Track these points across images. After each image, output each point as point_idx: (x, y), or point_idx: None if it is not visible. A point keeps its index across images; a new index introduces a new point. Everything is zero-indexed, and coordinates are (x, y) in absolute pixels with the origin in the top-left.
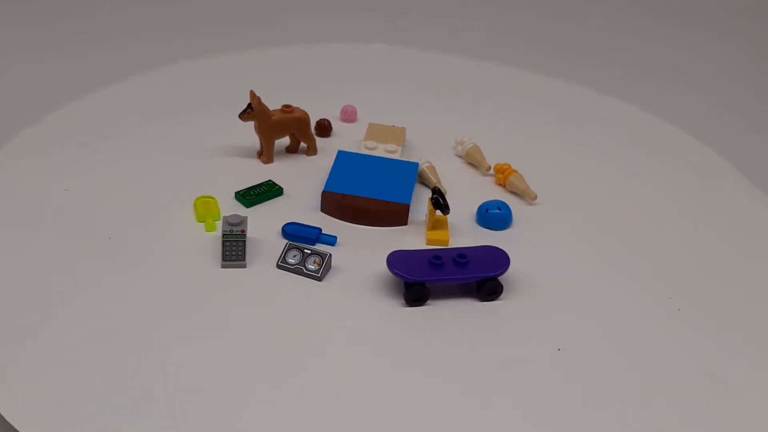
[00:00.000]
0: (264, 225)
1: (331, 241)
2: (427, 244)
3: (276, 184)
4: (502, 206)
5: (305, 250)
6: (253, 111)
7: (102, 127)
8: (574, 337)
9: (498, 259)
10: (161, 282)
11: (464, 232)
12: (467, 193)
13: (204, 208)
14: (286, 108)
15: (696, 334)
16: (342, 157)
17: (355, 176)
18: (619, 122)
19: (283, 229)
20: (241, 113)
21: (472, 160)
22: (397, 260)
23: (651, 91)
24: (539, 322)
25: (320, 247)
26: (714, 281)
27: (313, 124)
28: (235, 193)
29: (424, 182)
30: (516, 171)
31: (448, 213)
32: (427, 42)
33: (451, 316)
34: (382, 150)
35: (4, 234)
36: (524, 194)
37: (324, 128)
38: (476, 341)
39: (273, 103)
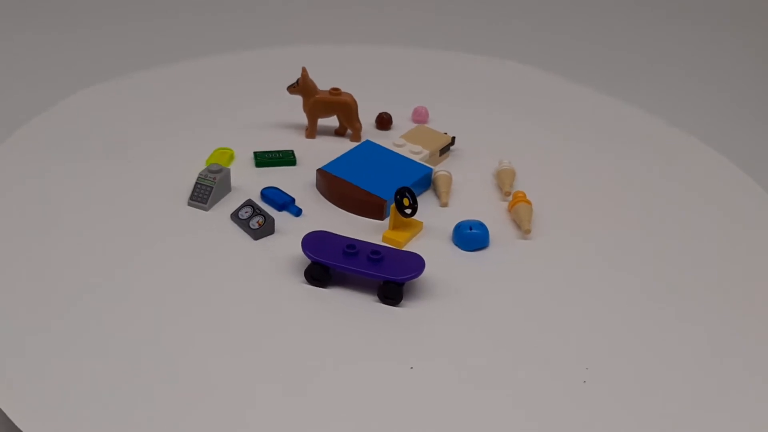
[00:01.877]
0: (259, 186)
1: (294, 211)
2: (383, 241)
3: (293, 156)
4: (476, 226)
5: (256, 210)
6: (298, 86)
7: (121, 116)
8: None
9: (410, 266)
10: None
11: (439, 246)
12: (467, 209)
13: (217, 156)
14: (334, 90)
15: (696, 329)
16: (364, 145)
17: (360, 164)
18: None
19: (261, 191)
20: (289, 86)
21: (499, 181)
22: (314, 239)
23: (654, 92)
24: (435, 327)
25: (279, 215)
26: (715, 280)
27: (374, 116)
28: (254, 151)
29: (434, 189)
30: (529, 202)
31: (406, 216)
32: (517, 54)
33: (346, 306)
34: (407, 149)
35: (5, 231)
36: (519, 225)
37: (383, 121)
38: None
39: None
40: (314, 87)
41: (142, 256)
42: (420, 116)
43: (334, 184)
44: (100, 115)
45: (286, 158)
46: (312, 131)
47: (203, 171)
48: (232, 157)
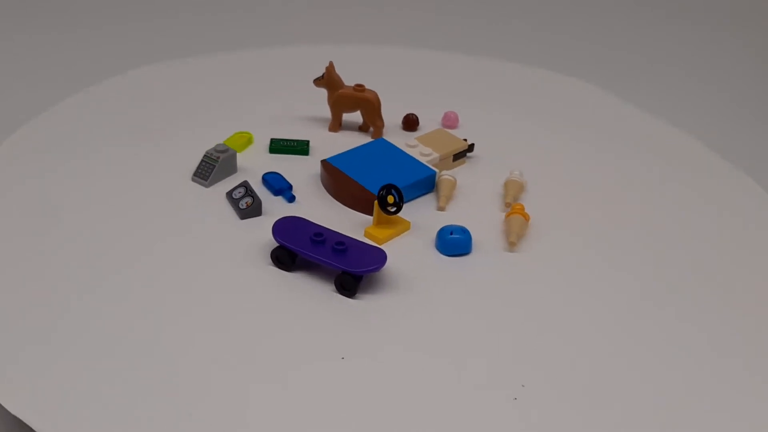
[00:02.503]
0: (265, 171)
1: (288, 197)
2: (364, 236)
3: (307, 146)
4: (457, 231)
5: (248, 191)
6: (323, 79)
7: (119, 115)
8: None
9: (370, 260)
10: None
11: (419, 247)
12: (464, 215)
13: (236, 138)
14: (358, 87)
15: (696, 329)
16: (377, 143)
17: (365, 160)
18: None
19: (263, 175)
20: (315, 79)
21: (504, 191)
22: (286, 223)
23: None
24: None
25: (275, 200)
26: (715, 281)
27: (400, 117)
28: (271, 138)
29: (436, 192)
30: (526, 216)
31: (389, 213)
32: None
33: (306, 293)
34: (418, 151)
35: (5, 231)
36: (507, 236)
37: (409, 122)
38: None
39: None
40: (339, 81)
41: (133, 236)
42: (449, 121)
43: (334, 176)
44: (127, 102)
45: (299, 147)
46: (334, 125)
47: (210, 149)
48: (250, 141)
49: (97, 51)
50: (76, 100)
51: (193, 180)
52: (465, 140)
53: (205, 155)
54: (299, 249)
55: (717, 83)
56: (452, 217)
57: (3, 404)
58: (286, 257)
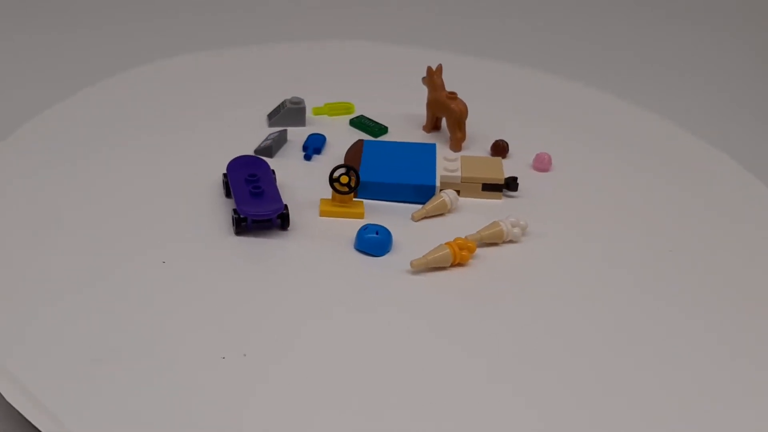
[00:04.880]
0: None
1: (306, 154)
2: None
3: (381, 131)
4: (380, 230)
5: (275, 136)
6: (425, 79)
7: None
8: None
9: (264, 208)
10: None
11: (347, 236)
12: (426, 233)
13: (336, 104)
14: (450, 94)
15: (699, 328)
16: (425, 146)
17: (393, 154)
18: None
19: (309, 135)
20: (423, 77)
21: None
22: (246, 160)
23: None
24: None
25: (296, 153)
26: (719, 281)
27: (491, 142)
28: (361, 114)
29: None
30: (459, 254)
31: (336, 191)
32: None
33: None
34: (447, 166)
35: (6, 228)
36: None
37: (498, 148)
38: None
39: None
40: (437, 85)
41: (133, 235)
42: (541, 163)
43: (352, 154)
44: (137, 98)
45: (374, 129)
46: (428, 125)
47: (287, 101)
48: (348, 110)
49: (98, 51)
50: (76, 99)
51: (270, 125)
52: (514, 179)
53: (283, 101)
54: (233, 182)
55: (718, 83)
56: (414, 227)
57: (7, 399)
58: (226, 187)
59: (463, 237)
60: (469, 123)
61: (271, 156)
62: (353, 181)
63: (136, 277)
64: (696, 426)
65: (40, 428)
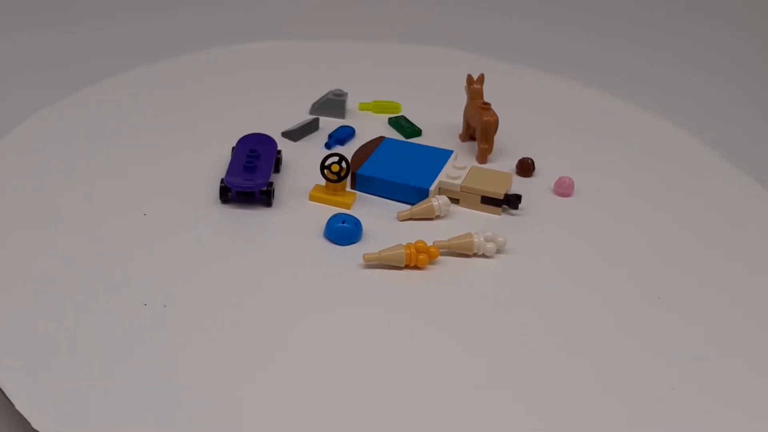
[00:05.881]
0: (365, 131)
1: (330, 144)
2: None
3: (415, 133)
4: (348, 220)
5: (305, 124)
6: (468, 86)
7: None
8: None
9: (251, 181)
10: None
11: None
12: (405, 232)
13: (384, 103)
14: (484, 105)
15: (698, 329)
16: (443, 152)
17: (408, 154)
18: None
19: (340, 126)
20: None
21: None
22: (256, 137)
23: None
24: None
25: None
26: (720, 282)
27: (515, 159)
28: (401, 115)
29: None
30: (418, 257)
31: (325, 178)
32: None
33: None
34: (453, 172)
35: (7, 226)
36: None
37: (524, 167)
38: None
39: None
40: (473, 93)
41: (134, 234)
42: (563, 188)
43: (363, 149)
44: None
45: (407, 130)
46: (463, 134)
47: (330, 93)
48: (394, 110)
49: (97, 51)
50: (77, 97)
51: (311, 112)
52: (516, 196)
53: (327, 92)
54: (235, 154)
55: (718, 83)
56: (398, 227)
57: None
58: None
59: (431, 242)
60: (507, 136)
61: (294, 140)
62: (344, 170)
63: (135, 276)
64: (696, 426)
65: (38, 429)
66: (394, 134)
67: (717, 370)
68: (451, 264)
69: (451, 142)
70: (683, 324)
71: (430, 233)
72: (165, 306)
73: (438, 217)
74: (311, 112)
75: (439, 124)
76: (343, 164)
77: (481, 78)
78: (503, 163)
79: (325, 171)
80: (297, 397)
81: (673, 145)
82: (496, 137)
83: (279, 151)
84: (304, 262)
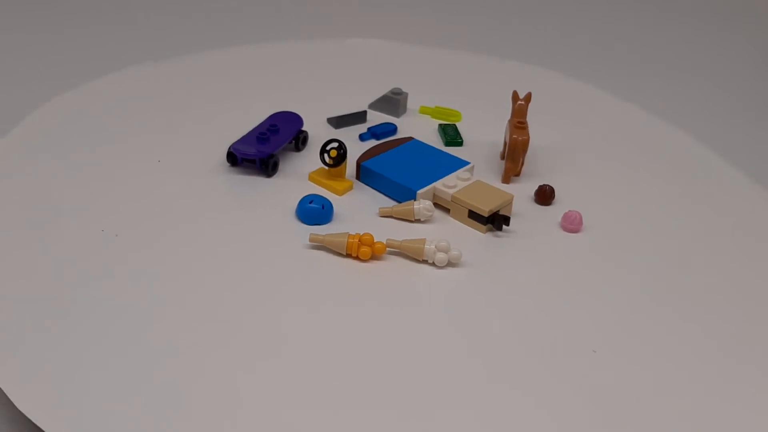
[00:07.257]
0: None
1: (365, 137)
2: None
3: (457, 143)
4: (316, 200)
5: (350, 115)
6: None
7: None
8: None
9: (254, 149)
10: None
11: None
12: (384, 228)
13: (442, 109)
14: (520, 123)
15: (698, 329)
16: (457, 160)
17: (423, 159)
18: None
19: (383, 123)
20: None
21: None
22: (285, 114)
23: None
24: None
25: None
26: (720, 282)
27: (535, 188)
28: (452, 124)
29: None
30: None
31: (323, 162)
32: None
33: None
34: (454, 183)
35: (6, 225)
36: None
37: (543, 194)
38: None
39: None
40: (517, 111)
41: (133, 232)
42: (571, 223)
43: (383, 145)
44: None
45: (448, 139)
46: (503, 152)
47: (389, 92)
48: (454, 118)
49: (98, 50)
50: (77, 94)
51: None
52: (504, 218)
53: (386, 93)
54: (259, 125)
55: (718, 83)
56: (377, 221)
57: (11, 398)
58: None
59: (384, 239)
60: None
61: (336, 127)
62: (339, 157)
63: (137, 272)
64: (696, 427)
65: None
66: (437, 140)
67: (717, 370)
68: (399, 264)
69: (491, 158)
70: (683, 324)
71: (400, 233)
72: (117, 235)
73: (418, 221)
74: (369, 106)
75: (490, 140)
76: (341, 151)
77: (528, 97)
78: (526, 185)
79: (324, 155)
80: (287, 396)
81: (673, 145)
82: (528, 157)
83: (303, 131)
84: (269, 241)
